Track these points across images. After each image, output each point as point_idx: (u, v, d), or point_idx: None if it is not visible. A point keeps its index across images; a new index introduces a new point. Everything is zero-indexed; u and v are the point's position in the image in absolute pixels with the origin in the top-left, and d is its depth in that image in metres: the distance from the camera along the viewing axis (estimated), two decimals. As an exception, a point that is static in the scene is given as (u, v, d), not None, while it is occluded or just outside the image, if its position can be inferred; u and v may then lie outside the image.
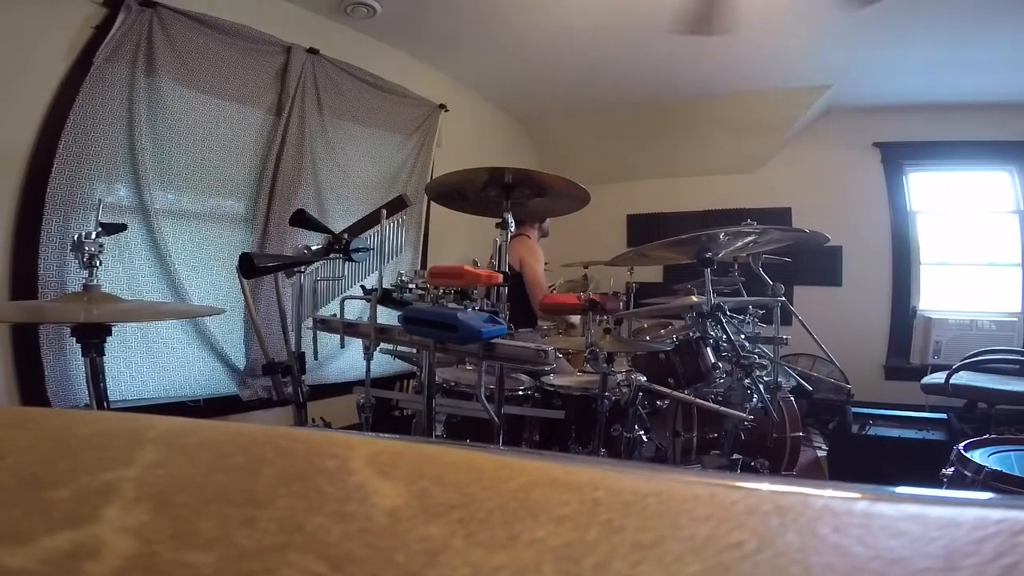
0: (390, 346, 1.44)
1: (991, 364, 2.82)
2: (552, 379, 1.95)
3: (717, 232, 1.60)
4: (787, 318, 2.38)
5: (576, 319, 2.79)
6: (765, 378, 1.83)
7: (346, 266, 1.54)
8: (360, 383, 1.32)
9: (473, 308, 1.06)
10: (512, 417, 1.78)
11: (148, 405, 2.20)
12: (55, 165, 1.96)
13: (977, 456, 1.25)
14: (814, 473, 2.70)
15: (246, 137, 2.58)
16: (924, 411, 2.65)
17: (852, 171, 4.11)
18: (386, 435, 0.33)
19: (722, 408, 1.74)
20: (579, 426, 1.86)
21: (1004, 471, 1.16)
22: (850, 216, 4.02)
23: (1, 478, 0.20)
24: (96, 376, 1.19)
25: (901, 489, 0.23)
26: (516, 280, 2.61)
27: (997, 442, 1.33)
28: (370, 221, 1.45)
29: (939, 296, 3.97)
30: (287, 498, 0.19)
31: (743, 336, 2.17)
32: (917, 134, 3.92)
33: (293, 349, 1.42)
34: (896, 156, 4.04)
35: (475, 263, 1.20)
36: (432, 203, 3.13)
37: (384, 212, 1.37)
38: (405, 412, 1.87)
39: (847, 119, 4.05)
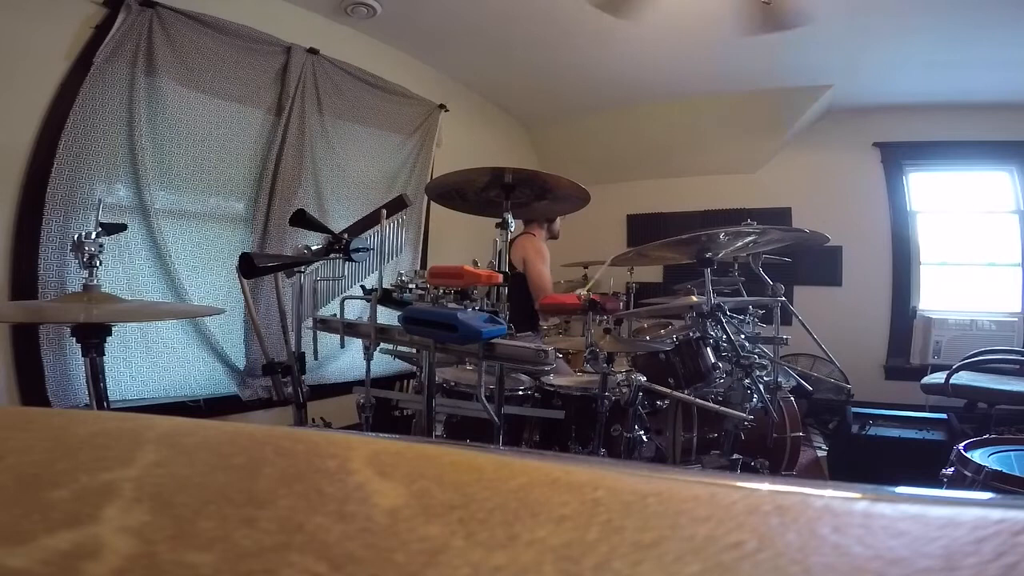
0: (390, 346, 1.44)
1: (991, 364, 2.82)
2: (552, 379, 1.95)
3: (717, 232, 1.60)
4: (787, 318, 2.38)
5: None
6: (765, 378, 1.83)
7: (346, 266, 1.54)
8: (360, 383, 1.32)
9: (473, 308, 1.06)
10: (512, 417, 1.78)
11: (148, 405, 2.20)
12: (55, 165, 1.96)
13: (977, 456, 1.24)
14: (814, 473, 2.70)
15: (246, 137, 2.58)
16: (924, 411, 2.65)
17: (852, 171, 4.11)
18: (386, 435, 0.33)
19: (722, 408, 1.74)
20: (579, 426, 1.86)
21: (1004, 471, 1.16)
22: (850, 216, 4.02)
23: (1, 478, 0.20)
24: (96, 376, 1.20)
25: (901, 489, 0.23)
26: (517, 279, 2.60)
27: (997, 442, 1.33)
28: (370, 221, 1.45)
29: (939, 296, 3.97)
30: (287, 498, 0.19)
31: (743, 336, 2.17)
32: (917, 134, 3.92)
33: (293, 349, 1.42)
34: (896, 156, 4.04)
35: (475, 263, 1.20)
36: (432, 203, 3.13)
37: (384, 212, 1.37)
38: (405, 412, 1.87)
39: (847, 119, 4.05)
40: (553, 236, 2.86)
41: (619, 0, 2.56)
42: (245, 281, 1.35)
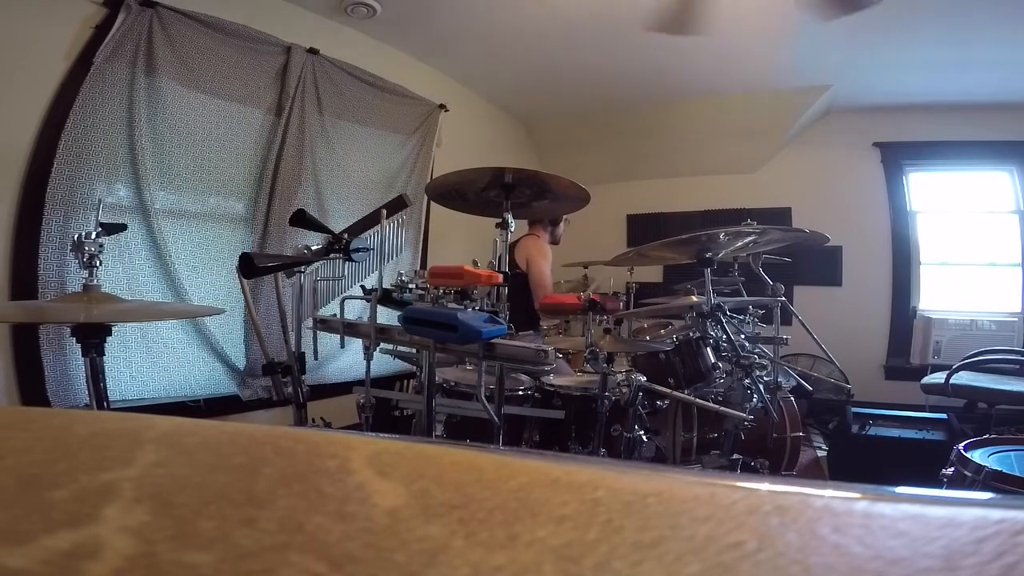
0: (390, 346, 1.44)
1: (991, 364, 2.82)
2: (552, 379, 1.95)
3: (717, 232, 1.60)
4: (787, 318, 2.39)
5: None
6: (765, 378, 1.83)
7: (346, 266, 1.54)
8: (360, 383, 1.32)
9: (473, 308, 1.06)
10: (512, 417, 1.78)
11: (148, 405, 2.20)
12: (55, 165, 1.95)
13: (977, 456, 1.24)
14: (814, 473, 2.70)
15: (246, 137, 2.58)
16: (924, 411, 2.65)
17: (852, 171, 4.11)
18: (386, 435, 0.33)
19: (722, 408, 1.74)
20: (579, 426, 1.86)
21: (1004, 471, 1.16)
22: (850, 216, 4.02)
23: (1, 478, 0.20)
24: (96, 376, 1.20)
25: (901, 489, 0.23)
26: (519, 280, 2.60)
27: (997, 442, 1.33)
28: (370, 221, 1.45)
29: (939, 296, 3.97)
30: (287, 498, 0.19)
31: (743, 336, 2.17)
32: (917, 134, 3.92)
33: (293, 349, 1.42)
34: (896, 156, 4.04)
35: (475, 263, 1.20)
36: (432, 203, 3.13)
37: (384, 212, 1.37)
38: (405, 412, 1.87)
39: (847, 119, 4.05)
40: (555, 241, 2.86)
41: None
42: (245, 281, 1.35)
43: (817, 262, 3.95)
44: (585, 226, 3.79)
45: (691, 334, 2.03)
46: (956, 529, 0.16)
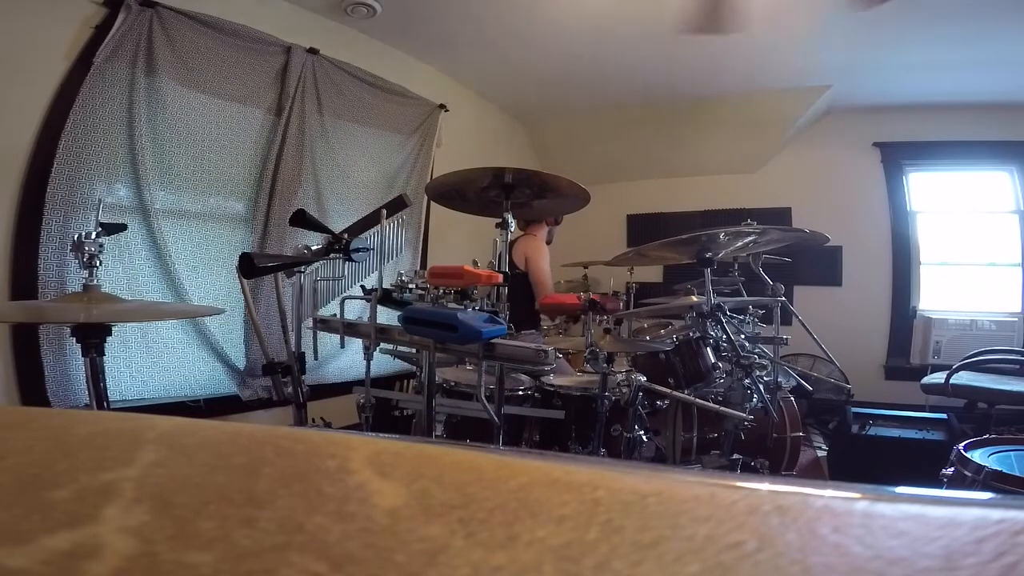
0: (390, 346, 1.44)
1: (991, 364, 2.82)
2: (552, 379, 1.95)
3: (717, 232, 1.60)
4: (787, 318, 2.38)
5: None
6: (765, 378, 1.83)
7: (346, 266, 1.54)
8: (360, 383, 1.32)
9: (473, 308, 1.06)
10: (512, 417, 1.78)
11: (148, 405, 2.20)
12: (55, 165, 1.95)
13: (977, 456, 1.24)
14: (814, 473, 2.70)
15: (246, 137, 2.58)
16: (924, 411, 2.65)
17: (852, 171, 4.11)
18: (386, 435, 0.33)
19: (722, 408, 1.74)
20: (579, 426, 1.86)
21: (1004, 471, 1.16)
22: (850, 216, 4.02)
23: (1, 478, 0.20)
24: (96, 376, 1.20)
25: (901, 489, 0.23)
26: (519, 279, 2.61)
27: (997, 442, 1.33)
28: (370, 221, 1.45)
29: (939, 296, 3.97)
30: (287, 498, 0.19)
31: (743, 336, 2.17)
32: (917, 134, 3.92)
33: (293, 349, 1.42)
34: (896, 156, 4.04)
35: (475, 263, 1.20)
36: (432, 203, 3.13)
37: (384, 212, 1.37)
38: (405, 412, 1.87)
39: (847, 119, 4.05)
40: (549, 240, 2.87)
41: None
42: (245, 281, 1.35)
43: (817, 262, 3.95)
44: (585, 226, 3.80)
45: (691, 334, 2.03)
46: (956, 529, 0.16)
